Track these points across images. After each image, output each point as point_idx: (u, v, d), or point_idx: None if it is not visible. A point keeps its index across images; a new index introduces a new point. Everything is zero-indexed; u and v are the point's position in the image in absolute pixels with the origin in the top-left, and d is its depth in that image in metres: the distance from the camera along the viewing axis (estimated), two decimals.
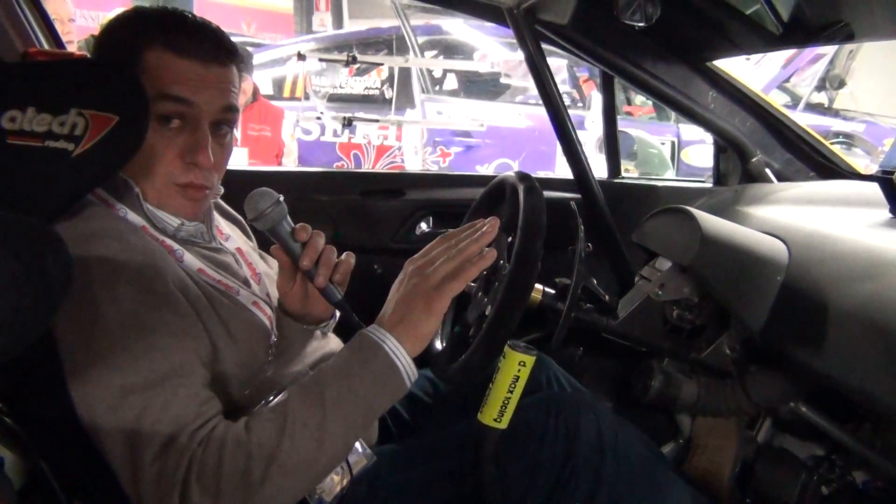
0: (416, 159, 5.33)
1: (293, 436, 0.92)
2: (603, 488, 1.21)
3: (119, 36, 1.08)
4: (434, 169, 5.44)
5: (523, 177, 1.31)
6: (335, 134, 5.52)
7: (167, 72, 1.06)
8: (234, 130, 1.18)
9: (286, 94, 5.91)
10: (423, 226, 2.11)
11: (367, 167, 5.50)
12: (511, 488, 1.19)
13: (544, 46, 1.91)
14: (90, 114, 0.98)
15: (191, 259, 1.10)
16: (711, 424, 1.66)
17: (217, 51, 1.09)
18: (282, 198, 1.08)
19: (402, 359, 1.00)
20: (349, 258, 1.14)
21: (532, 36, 1.77)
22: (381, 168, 5.48)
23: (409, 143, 5.41)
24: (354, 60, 4.18)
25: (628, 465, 1.24)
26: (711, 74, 1.86)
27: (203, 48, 1.07)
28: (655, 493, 1.28)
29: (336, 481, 1.16)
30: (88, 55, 1.31)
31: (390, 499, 1.18)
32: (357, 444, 1.21)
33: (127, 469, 0.92)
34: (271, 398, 1.07)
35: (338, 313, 1.30)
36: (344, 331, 1.30)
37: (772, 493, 1.49)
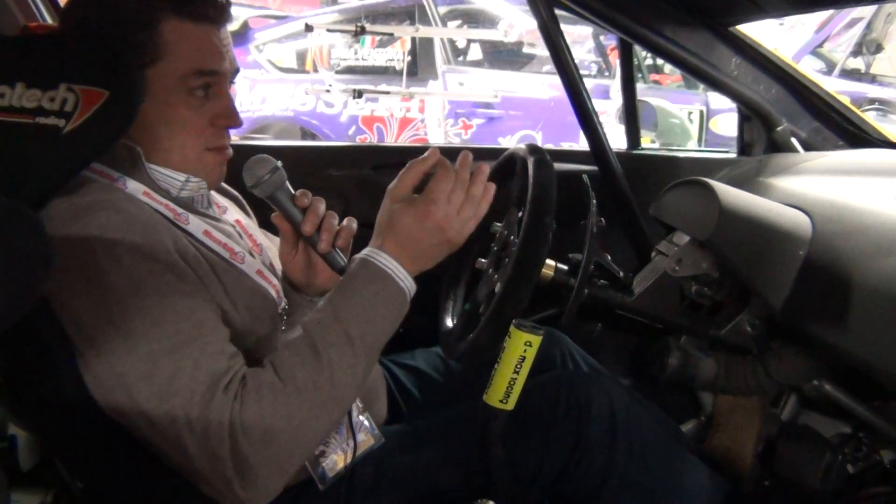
0: (438, 132, 5.28)
1: (332, 377, 0.96)
2: (615, 469, 1.19)
3: (126, 14, 1.04)
4: (456, 141, 5.39)
5: (533, 149, 1.27)
6: (356, 106, 5.47)
7: (192, 44, 1.05)
8: None
9: (308, 66, 5.87)
10: None
11: (389, 140, 5.46)
12: (521, 469, 1.18)
13: (564, 13, 1.85)
14: (80, 89, 0.96)
15: (196, 221, 1.09)
16: (734, 401, 1.62)
17: (224, 11, 1.09)
18: (280, 163, 1.07)
19: (408, 283, 1.04)
20: (351, 223, 1.13)
21: (545, 1, 1.71)
22: (403, 141, 5.43)
23: (431, 116, 5.35)
24: (363, 31, 4.14)
25: (642, 446, 1.21)
26: (735, 40, 1.78)
27: (215, 10, 1.07)
28: (671, 475, 1.25)
29: (340, 458, 1.15)
30: None
31: (397, 480, 1.17)
32: (366, 422, 1.20)
33: (168, 438, 0.92)
34: None
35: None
36: None
37: (796, 473, 1.45)
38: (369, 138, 5.51)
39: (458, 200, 1.04)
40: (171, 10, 1.04)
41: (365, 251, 1.05)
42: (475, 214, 1.06)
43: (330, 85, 4.96)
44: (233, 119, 1.11)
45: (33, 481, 1.47)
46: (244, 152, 1.14)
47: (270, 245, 1.28)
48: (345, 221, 1.13)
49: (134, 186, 1.05)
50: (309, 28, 4.32)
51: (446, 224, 1.03)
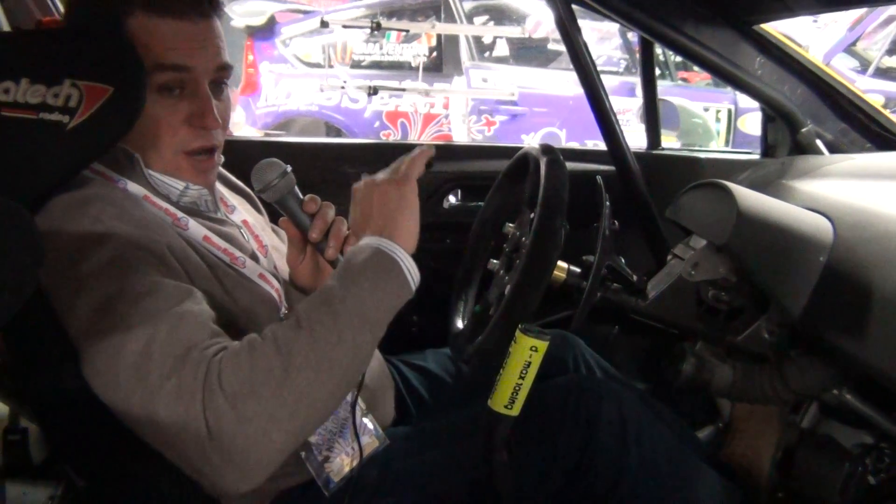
0: (462, 128, 5.27)
1: (312, 330, 0.90)
2: (625, 478, 1.16)
3: (92, 6, 1.04)
4: (479, 138, 5.37)
5: (546, 149, 1.25)
6: (381, 101, 5.47)
7: (156, 38, 1.02)
8: None
9: (338, 58, 5.87)
10: (452, 199, 2.06)
11: (413, 136, 5.46)
12: (526, 475, 1.16)
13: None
14: (84, 85, 0.96)
15: (196, 227, 1.08)
16: (751, 408, 1.59)
17: (199, 3, 1.05)
18: (289, 168, 1.06)
19: (399, 253, 0.99)
20: None
21: None
22: (427, 137, 5.42)
23: (456, 112, 5.34)
24: (379, 27, 4.13)
25: (653, 455, 1.19)
26: (759, 39, 1.74)
27: (183, 4, 1.04)
28: (682, 484, 1.22)
29: (345, 462, 1.14)
30: None
31: (401, 483, 1.15)
32: (369, 424, 1.18)
33: (141, 401, 0.87)
34: None
35: None
36: None
37: (814, 484, 1.41)
38: (393, 134, 5.51)
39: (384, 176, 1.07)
40: (139, 5, 1.02)
41: (366, 240, 1.03)
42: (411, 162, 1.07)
43: (345, 81, 4.96)
44: (207, 119, 1.07)
45: (45, 474, 1.48)
46: (258, 149, 1.13)
47: (280, 244, 1.27)
48: None
49: (135, 189, 1.05)
50: (324, 24, 4.33)
51: (376, 179, 1.06)
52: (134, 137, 1.04)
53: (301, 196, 1.07)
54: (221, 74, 1.10)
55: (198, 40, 1.05)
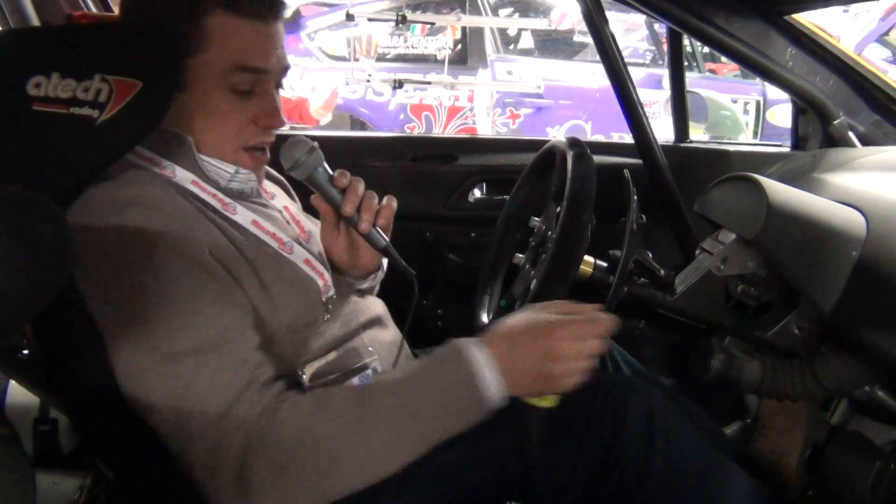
0: (486, 121, 5.25)
1: (370, 446, 0.91)
2: (652, 475, 1.15)
3: (176, 4, 1.03)
4: (503, 131, 5.35)
5: (573, 143, 1.24)
6: (405, 94, 5.47)
7: (235, 38, 1.04)
8: None
9: (363, 51, 5.88)
10: (477, 192, 2.05)
11: (438, 129, 5.45)
12: (553, 471, 1.15)
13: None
14: (114, 80, 0.97)
15: (244, 211, 1.09)
16: (779, 404, 1.56)
17: (274, 7, 1.07)
18: (316, 144, 1.06)
19: (489, 391, 0.95)
20: (391, 202, 1.12)
21: None
22: (451, 130, 5.42)
23: (480, 105, 5.33)
24: (404, 20, 4.14)
25: (681, 452, 1.17)
26: (791, 29, 1.71)
27: (264, 6, 1.05)
28: (710, 484, 1.21)
29: None
30: None
31: (426, 480, 1.14)
32: None
33: (177, 439, 0.92)
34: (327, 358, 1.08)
35: (385, 263, 1.27)
36: (391, 282, 1.27)
37: (844, 481, 1.39)
38: (417, 127, 5.51)
39: (579, 344, 0.96)
40: (220, 4, 1.03)
41: (470, 339, 0.97)
42: (581, 369, 0.96)
43: (370, 74, 4.96)
44: (275, 119, 1.10)
45: (74, 464, 1.50)
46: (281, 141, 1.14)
47: (316, 230, 1.28)
48: (384, 200, 1.12)
49: (183, 175, 1.06)
50: (350, 17, 4.33)
51: (557, 353, 0.94)
52: (197, 128, 1.06)
53: (330, 171, 1.08)
54: (283, 76, 1.11)
55: (272, 42, 1.07)
